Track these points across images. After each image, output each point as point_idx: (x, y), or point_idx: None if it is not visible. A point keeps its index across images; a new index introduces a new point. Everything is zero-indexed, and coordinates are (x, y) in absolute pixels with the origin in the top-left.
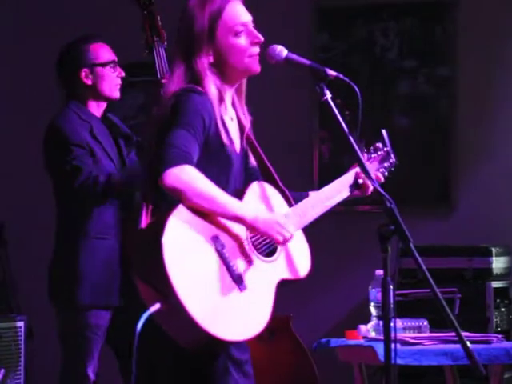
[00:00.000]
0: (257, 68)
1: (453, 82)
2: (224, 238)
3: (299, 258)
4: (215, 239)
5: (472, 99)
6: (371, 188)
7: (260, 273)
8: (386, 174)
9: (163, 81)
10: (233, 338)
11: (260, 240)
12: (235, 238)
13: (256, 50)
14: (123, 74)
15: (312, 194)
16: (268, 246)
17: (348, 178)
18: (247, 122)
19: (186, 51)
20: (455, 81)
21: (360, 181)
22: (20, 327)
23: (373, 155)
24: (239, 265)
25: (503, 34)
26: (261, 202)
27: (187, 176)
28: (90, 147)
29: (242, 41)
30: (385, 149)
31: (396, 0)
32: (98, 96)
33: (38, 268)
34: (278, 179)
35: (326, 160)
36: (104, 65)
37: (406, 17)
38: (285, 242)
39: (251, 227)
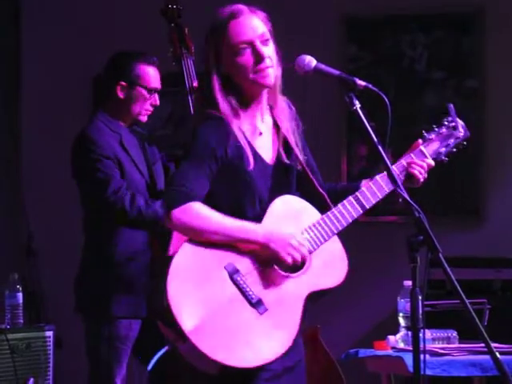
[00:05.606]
0: (265, 81)
1: (481, 93)
2: (240, 263)
3: (332, 266)
4: (229, 266)
5: (500, 111)
6: (422, 179)
7: (284, 290)
8: (454, 150)
9: (194, 84)
10: (259, 363)
11: None
12: (254, 260)
13: (262, 65)
14: (157, 103)
15: (364, 183)
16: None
17: (396, 168)
18: (284, 126)
19: (205, 75)
20: (483, 93)
21: (414, 171)
22: (49, 337)
23: (432, 135)
24: (257, 288)
25: None
26: (281, 220)
27: (189, 215)
28: (118, 158)
29: (245, 59)
30: (451, 124)
31: (423, 12)
32: (126, 113)
33: (65, 278)
34: (315, 183)
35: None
36: (145, 88)
37: (433, 28)
38: (294, 262)
39: (264, 248)
